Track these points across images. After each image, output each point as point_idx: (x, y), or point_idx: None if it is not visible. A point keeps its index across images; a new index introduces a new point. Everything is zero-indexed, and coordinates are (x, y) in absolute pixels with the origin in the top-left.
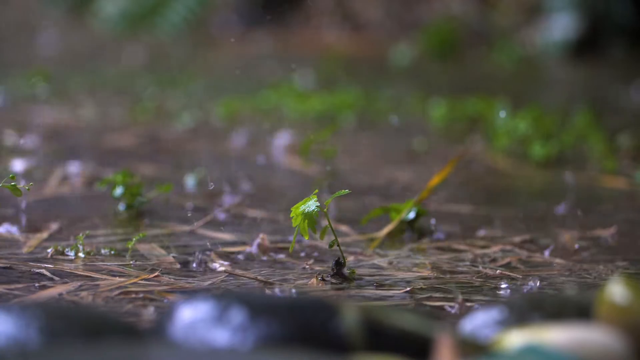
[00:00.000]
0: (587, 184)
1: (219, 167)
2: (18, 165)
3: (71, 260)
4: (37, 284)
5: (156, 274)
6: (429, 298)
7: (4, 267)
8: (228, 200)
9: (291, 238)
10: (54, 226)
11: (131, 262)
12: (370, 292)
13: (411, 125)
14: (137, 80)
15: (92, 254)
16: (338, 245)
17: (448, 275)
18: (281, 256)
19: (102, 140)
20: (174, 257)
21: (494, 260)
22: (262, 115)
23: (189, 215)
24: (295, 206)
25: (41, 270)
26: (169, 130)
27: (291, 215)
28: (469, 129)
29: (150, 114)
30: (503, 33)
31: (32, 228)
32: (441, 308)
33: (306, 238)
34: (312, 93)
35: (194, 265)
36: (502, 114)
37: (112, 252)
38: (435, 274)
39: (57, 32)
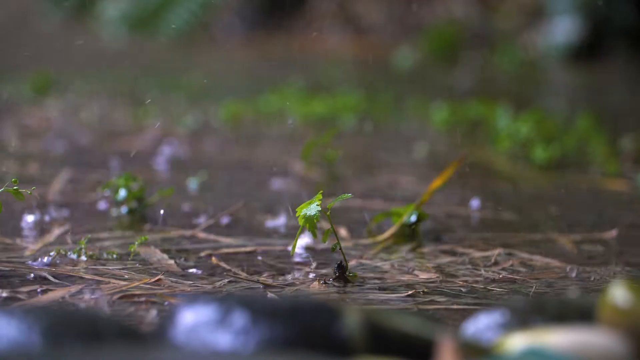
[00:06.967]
0: (589, 187)
1: (221, 168)
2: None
3: (74, 264)
4: (39, 288)
5: (158, 277)
6: (431, 301)
7: (7, 271)
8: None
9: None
10: (56, 230)
11: (135, 265)
12: (373, 295)
13: (413, 128)
14: (139, 84)
15: (94, 257)
16: (340, 249)
17: (450, 279)
18: (283, 258)
19: (105, 142)
20: (175, 260)
21: (496, 263)
22: (264, 118)
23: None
24: (298, 209)
25: (44, 274)
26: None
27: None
28: (470, 132)
29: (153, 118)
30: (505, 36)
31: (35, 231)
32: (444, 311)
33: None
34: (314, 96)
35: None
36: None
37: (115, 255)
38: (438, 277)
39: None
